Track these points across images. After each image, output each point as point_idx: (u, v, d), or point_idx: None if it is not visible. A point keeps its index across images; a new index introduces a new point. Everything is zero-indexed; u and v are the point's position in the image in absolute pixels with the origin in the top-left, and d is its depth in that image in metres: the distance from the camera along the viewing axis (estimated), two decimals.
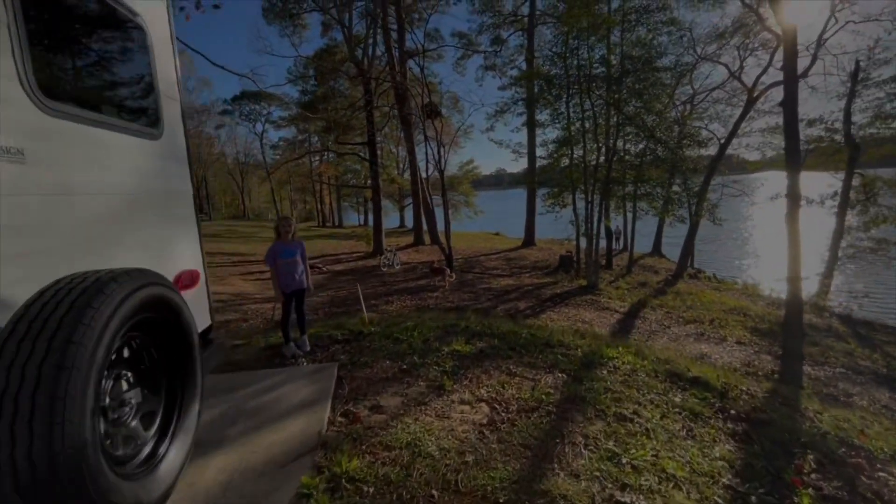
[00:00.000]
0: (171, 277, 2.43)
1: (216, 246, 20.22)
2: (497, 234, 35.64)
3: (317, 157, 47.06)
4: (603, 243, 16.44)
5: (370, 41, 19.90)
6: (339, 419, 2.92)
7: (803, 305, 10.40)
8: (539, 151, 16.52)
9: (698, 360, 7.64)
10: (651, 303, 12.10)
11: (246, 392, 3.45)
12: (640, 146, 13.59)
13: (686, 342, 8.58)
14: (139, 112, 2.44)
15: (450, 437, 2.65)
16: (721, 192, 19.83)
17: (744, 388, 4.01)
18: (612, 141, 12.35)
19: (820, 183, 17.86)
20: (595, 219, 13.09)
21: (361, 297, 7.07)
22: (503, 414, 2.99)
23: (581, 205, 15.04)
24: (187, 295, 2.45)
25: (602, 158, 12.82)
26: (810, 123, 17.38)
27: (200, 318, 2.73)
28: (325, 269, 15.61)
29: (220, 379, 3.70)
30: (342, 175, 40.46)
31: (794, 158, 9.40)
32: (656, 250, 24.82)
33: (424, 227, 23.72)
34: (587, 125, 12.25)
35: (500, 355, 4.34)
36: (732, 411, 3.33)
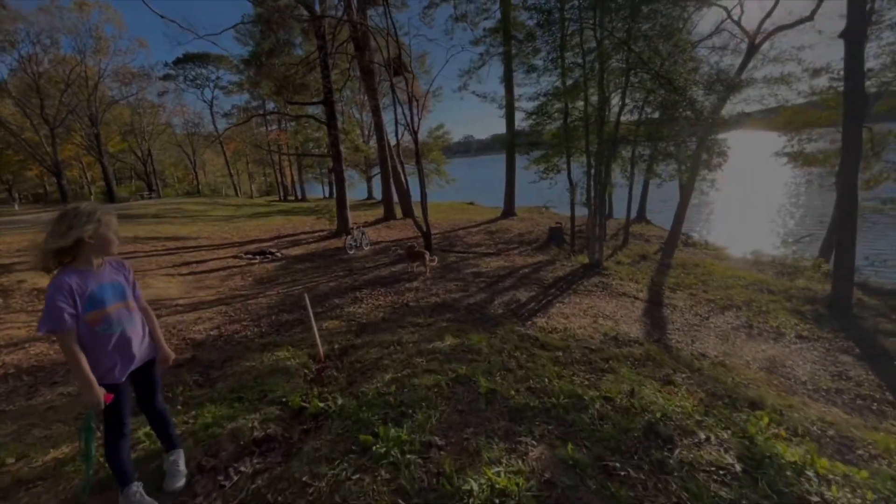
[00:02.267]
0: None
1: (152, 229, 16.97)
2: (471, 203, 33.25)
3: (273, 126, 42.75)
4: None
5: None
6: None
7: (852, 280, 8.70)
8: (527, 106, 13.89)
9: (768, 369, 5.68)
10: (666, 282, 10.18)
11: None
12: (656, 97, 11.30)
13: (740, 341, 6.64)
14: None
15: None
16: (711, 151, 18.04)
17: None
18: (623, 89, 10.00)
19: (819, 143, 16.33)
20: (598, 185, 10.89)
21: (312, 316, 4.59)
22: None
23: (576, 169, 12.84)
24: None
25: (608, 112, 10.48)
26: (815, 73, 15.57)
27: None
28: (279, 253, 12.88)
29: None
30: (302, 144, 36.63)
31: (855, 104, 7.30)
32: (641, 216, 23.12)
33: (395, 198, 21.05)
34: (591, 69, 9.78)
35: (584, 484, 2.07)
36: None
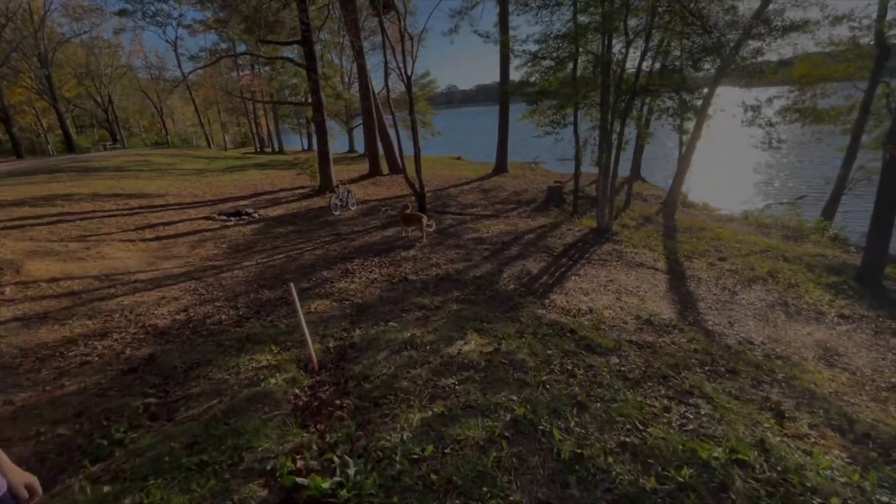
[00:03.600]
0: None
1: (114, 184, 15.21)
2: (459, 158, 31.62)
3: (246, 70, 39.24)
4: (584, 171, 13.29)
5: None
6: None
7: (887, 252, 8.04)
8: (530, 49, 12.30)
9: (825, 359, 4.98)
10: (679, 249, 9.40)
11: None
12: (686, 42, 9.94)
13: (780, 322, 5.93)
14: None
15: None
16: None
17: None
18: (647, 31, 8.64)
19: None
20: (610, 142, 9.76)
21: (301, 313, 3.53)
22: None
23: (582, 125, 11.62)
24: None
25: (626, 58, 9.15)
26: (835, 21, 14.32)
27: None
28: (256, 214, 11.55)
29: None
30: (278, 91, 33.73)
31: None
32: (636, 174, 22.15)
33: (381, 152, 19.48)
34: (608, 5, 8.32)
35: None
36: None
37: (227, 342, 4.19)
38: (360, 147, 37.13)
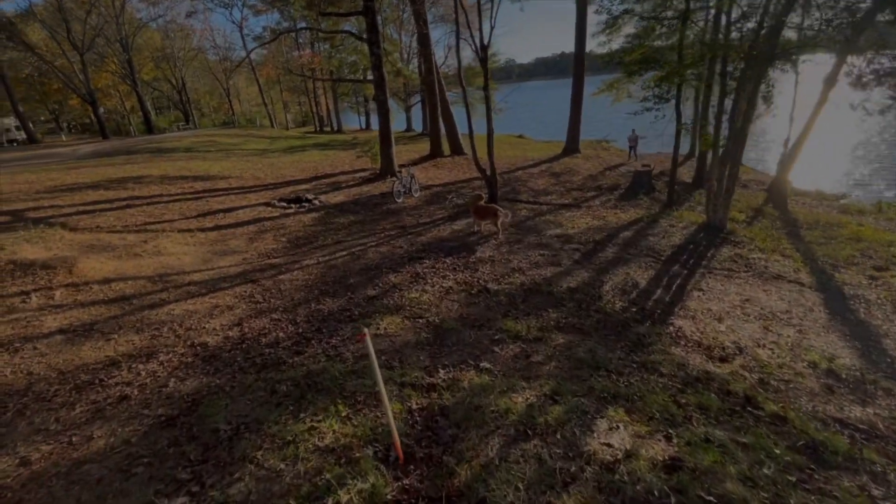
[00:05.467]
0: None
1: (182, 165, 15.20)
2: (521, 136, 29.66)
3: (307, 50, 38.99)
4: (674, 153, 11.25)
5: None
6: None
7: None
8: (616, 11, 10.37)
9: None
10: (818, 254, 7.51)
11: None
12: None
13: None
14: None
15: None
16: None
17: None
18: None
19: None
20: (731, 119, 7.91)
21: (381, 384, 2.45)
22: None
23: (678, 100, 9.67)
24: None
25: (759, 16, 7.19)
26: None
27: None
28: (317, 200, 10.83)
29: None
30: (337, 69, 33.15)
31: None
32: (726, 153, 19.33)
33: (442, 131, 18.22)
34: None
35: None
36: None
37: (282, 387, 3.28)
38: (417, 126, 36.06)
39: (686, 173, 14.81)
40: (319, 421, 2.75)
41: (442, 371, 3.57)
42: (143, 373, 3.87)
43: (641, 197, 11.14)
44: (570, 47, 18.03)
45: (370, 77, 16.72)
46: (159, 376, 3.78)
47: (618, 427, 2.57)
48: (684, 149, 16.39)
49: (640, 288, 5.76)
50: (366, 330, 2.48)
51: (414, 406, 2.95)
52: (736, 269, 6.45)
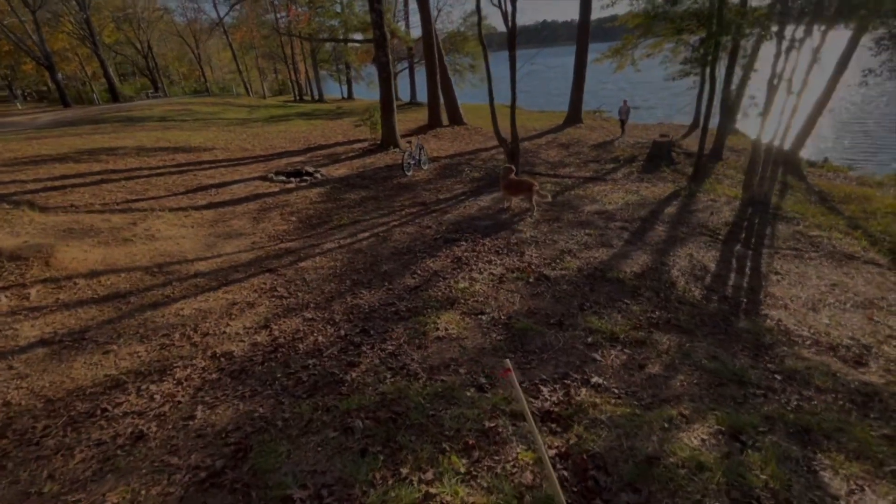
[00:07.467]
0: None
1: (158, 136, 13.67)
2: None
3: (283, 13, 36.08)
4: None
5: None
6: None
7: None
8: None
9: None
10: (870, 229, 7.03)
11: None
12: None
13: None
14: None
15: None
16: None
17: None
18: None
19: None
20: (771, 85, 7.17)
21: (535, 427, 1.69)
22: None
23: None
24: None
25: None
26: None
27: None
28: (318, 174, 9.72)
29: None
30: (316, 32, 30.76)
31: None
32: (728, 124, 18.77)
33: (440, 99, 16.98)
34: None
35: None
36: None
37: (357, 423, 2.48)
38: (403, 94, 34.17)
39: (691, 144, 14.19)
40: (432, 482, 1.98)
41: (546, 390, 2.83)
42: (158, 396, 3.00)
43: (664, 169, 10.47)
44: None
45: (373, 35, 15.21)
46: (180, 402, 2.92)
47: (862, 489, 1.91)
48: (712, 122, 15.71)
49: (710, 272, 5.11)
50: (508, 362, 1.69)
51: (550, 452, 2.21)
52: (802, 248, 5.88)
